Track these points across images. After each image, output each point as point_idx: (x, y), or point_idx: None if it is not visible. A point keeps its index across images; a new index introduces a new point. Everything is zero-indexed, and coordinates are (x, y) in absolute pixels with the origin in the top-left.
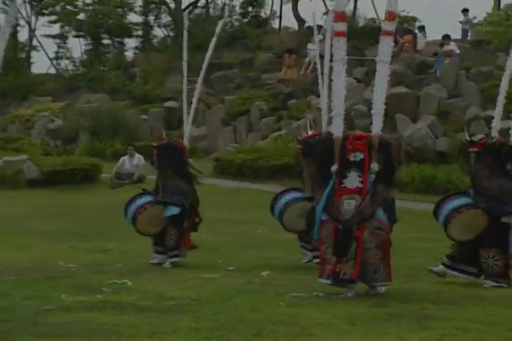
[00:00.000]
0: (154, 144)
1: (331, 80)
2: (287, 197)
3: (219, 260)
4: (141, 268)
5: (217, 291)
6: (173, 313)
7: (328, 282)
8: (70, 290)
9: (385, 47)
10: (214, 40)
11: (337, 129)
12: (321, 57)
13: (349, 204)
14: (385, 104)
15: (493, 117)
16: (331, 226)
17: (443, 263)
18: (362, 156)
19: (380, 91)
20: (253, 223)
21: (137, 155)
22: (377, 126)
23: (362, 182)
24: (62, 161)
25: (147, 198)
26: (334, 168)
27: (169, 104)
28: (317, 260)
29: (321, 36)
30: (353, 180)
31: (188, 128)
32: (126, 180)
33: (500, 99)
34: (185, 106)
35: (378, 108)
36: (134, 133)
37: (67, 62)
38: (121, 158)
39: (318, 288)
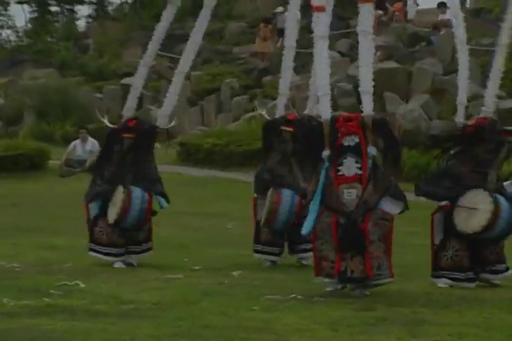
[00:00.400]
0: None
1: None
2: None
3: (184, 258)
4: (95, 268)
5: (182, 294)
6: (130, 319)
7: (327, 280)
8: (14, 294)
9: (366, 15)
10: (172, 7)
11: (325, 110)
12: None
13: (350, 194)
14: (373, 80)
15: (497, 96)
16: (329, 219)
17: None
18: (357, 140)
19: (366, 66)
20: (223, 217)
21: (90, 139)
22: (368, 106)
23: (361, 168)
24: (5, 146)
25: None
26: (326, 153)
27: (127, 80)
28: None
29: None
30: (350, 166)
31: (168, 109)
32: (77, 167)
33: (494, 76)
34: (137, 83)
35: (367, 85)
36: (87, 114)
37: (9, 32)
38: (72, 143)
39: (297, 290)
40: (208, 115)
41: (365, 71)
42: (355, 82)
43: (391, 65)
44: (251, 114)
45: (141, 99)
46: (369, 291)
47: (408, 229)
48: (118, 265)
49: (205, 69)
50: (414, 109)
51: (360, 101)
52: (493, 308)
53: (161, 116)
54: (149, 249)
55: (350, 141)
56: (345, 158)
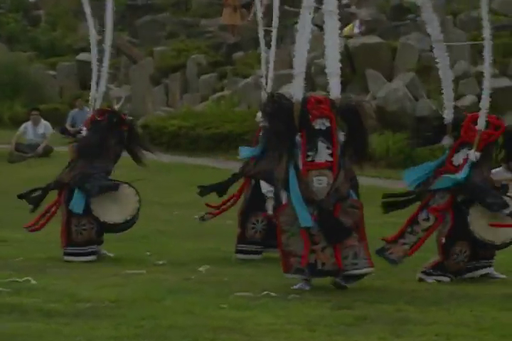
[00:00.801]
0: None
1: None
2: None
3: (146, 252)
4: (48, 263)
5: (144, 291)
6: (87, 318)
7: (296, 276)
8: None
9: None
10: None
11: (298, 91)
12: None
13: (320, 182)
14: (354, 57)
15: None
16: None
17: None
18: (328, 124)
19: (332, 47)
20: (190, 207)
21: (43, 121)
22: (335, 88)
23: (332, 155)
24: None
25: None
26: (297, 138)
27: (83, 56)
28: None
29: None
30: (321, 152)
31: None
32: (28, 152)
33: (486, 53)
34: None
35: (334, 67)
36: (39, 94)
37: None
38: (23, 125)
39: (270, 286)
40: (172, 95)
41: (332, 52)
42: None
43: (373, 40)
44: (220, 93)
45: (98, 77)
46: (348, 286)
47: (390, 219)
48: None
49: (169, 44)
50: (398, 88)
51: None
52: (484, 306)
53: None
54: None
55: (321, 124)
56: (315, 143)
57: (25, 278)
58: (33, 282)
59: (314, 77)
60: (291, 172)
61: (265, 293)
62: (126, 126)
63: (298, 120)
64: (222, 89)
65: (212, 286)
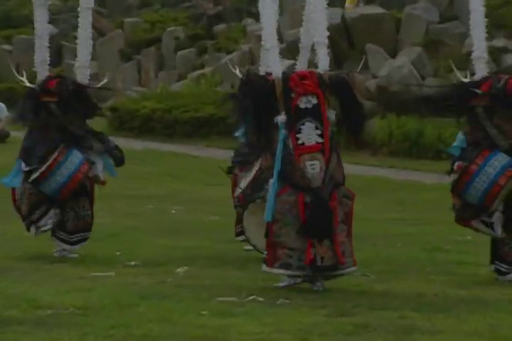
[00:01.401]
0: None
1: None
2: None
3: (116, 251)
4: (4, 264)
5: (113, 296)
6: (49, 327)
7: (282, 272)
8: None
9: None
10: None
11: (275, 66)
12: None
13: (313, 167)
14: (352, 30)
15: (502, 49)
16: (292, 198)
17: None
18: (315, 101)
19: (320, 12)
20: (166, 200)
21: None
22: (323, 60)
23: (322, 135)
24: None
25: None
26: (281, 118)
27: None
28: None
29: None
30: (310, 133)
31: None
32: None
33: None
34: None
35: (321, 35)
36: None
37: None
38: None
39: (256, 290)
40: (145, 73)
41: (319, 18)
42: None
43: (375, 10)
44: (200, 71)
45: (60, 52)
46: (328, 287)
47: (394, 215)
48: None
49: (142, 15)
50: (403, 65)
51: None
52: (500, 312)
53: (79, 69)
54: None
55: (307, 102)
56: (302, 124)
57: None
58: None
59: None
60: (278, 157)
61: (251, 297)
62: (54, 96)
63: (281, 99)
64: (202, 67)
65: (191, 290)
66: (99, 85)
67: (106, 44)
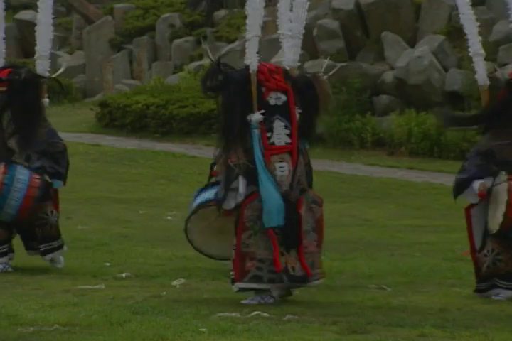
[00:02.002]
0: None
1: None
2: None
3: (105, 262)
4: None
5: (102, 311)
6: None
7: (252, 286)
8: None
9: None
10: None
11: (253, 58)
12: None
13: (282, 169)
14: (367, 16)
15: None
16: (257, 202)
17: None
18: (285, 98)
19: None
20: (160, 205)
21: None
22: (288, 54)
23: (290, 135)
24: None
25: None
26: (256, 116)
27: (24, 15)
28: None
29: None
30: (280, 133)
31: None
32: None
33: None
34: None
35: (286, 26)
36: None
37: None
38: None
39: (261, 306)
40: (138, 64)
41: (283, 8)
42: (342, 17)
43: None
44: (198, 62)
45: None
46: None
47: (413, 221)
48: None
49: (134, 0)
50: (423, 55)
51: None
52: None
53: (39, 58)
54: (55, 249)
55: (276, 99)
56: (272, 122)
57: None
58: None
59: (318, 41)
60: (258, 158)
61: (255, 313)
62: (4, 85)
63: (255, 94)
64: (200, 58)
65: (188, 305)
66: (55, 75)
67: (94, 32)
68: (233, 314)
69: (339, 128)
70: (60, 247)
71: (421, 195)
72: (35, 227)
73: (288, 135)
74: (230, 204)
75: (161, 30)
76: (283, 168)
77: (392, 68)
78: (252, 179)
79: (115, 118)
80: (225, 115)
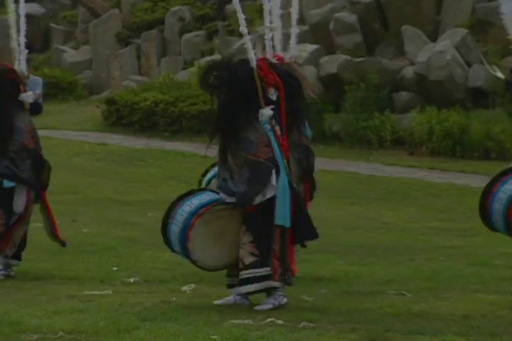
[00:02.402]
0: None
1: None
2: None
3: (112, 267)
4: None
5: (109, 318)
6: None
7: (278, 285)
8: None
9: None
10: None
11: (251, 53)
12: None
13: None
14: (387, 9)
15: None
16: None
17: None
18: (277, 93)
19: None
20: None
21: None
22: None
23: (282, 131)
24: None
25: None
26: (267, 111)
27: (28, 8)
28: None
29: None
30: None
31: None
32: None
33: None
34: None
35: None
36: None
37: None
38: None
39: (275, 312)
40: (146, 59)
41: None
42: (359, 10)
43: None
44: (209, 57)
45: (47, 35)
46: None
47: (435, 224)
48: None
49: None
50: (445, 50)
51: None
52: None
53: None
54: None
55: (273, 94)
56: (274, 118)
57: None
58: None
59: (335, 35)
60: (277, 151)
61: (269, 320)
62: None
63: (259, 90)
64: (212, 52)
65: (199, 312)
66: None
67: (100, 26)
68: (246, 321)
69: (357, 127)
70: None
71: (443, 197)
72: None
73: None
74: (260, 198)
75: (171, 23)
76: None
77: (412, 63)
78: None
79: (122, 116)
80: (233, 113)
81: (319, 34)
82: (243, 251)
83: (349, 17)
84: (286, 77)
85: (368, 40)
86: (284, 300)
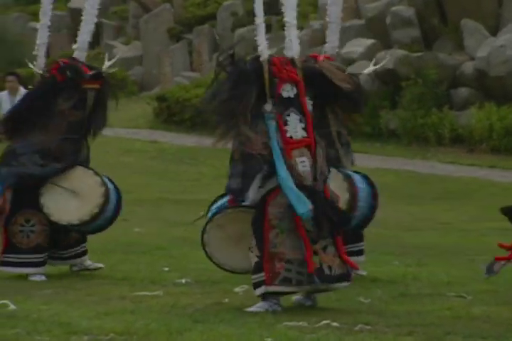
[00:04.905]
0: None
1: None
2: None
3: (164, 267)
4: (33, 282)
5: (161, 319)
6: None
7: (281, 289)
8: None
9: None
10: None
11: (263, 47)
12: None
13: (303, 164)
14: (445, 3)
15: None
16: (285, 199)
17: None
18: (296, 90)
19: None
20: None
21: (23, 90)
22: (295, 44)
23: (306, 129)
24: None
25: None
26: (269, 107)
27: (78, 3)
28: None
29: None
30: (295, 126)
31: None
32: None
33: None
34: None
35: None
36: (19, 53)
37: None
38: None
39: (330, 314)
40: (198, 55)
41: None
42: (418, 6)
43: None
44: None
45: (97, 31)
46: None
47: (495, 224)
48: (38, 278)
49: None
50: (506, 44)
51: None
52: None
53: (77, 49)
54: (84, 253)
55: (289, 91)
56: (288, 115)
57: (2, 301)
58: (12, 307)
59: (391, 30)
60: (276, 151)
61: (324, 322)
62: (97, 83)
63: (268, 85)
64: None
65: (253, 313)
66: (107, 65)
67: (152, 21)
68: (300, 323)
69: (414, 124)
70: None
71: (504, 196)
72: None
73: (303, 128)
74: (252, 197)
75: (223, 18)
76: (304, 163)
77: (472, 58)
78: (274, 172)
79: (174, 113)
80: (238, 103)
81: (375, 28)
82: (251, 254)
83: (406, 11)
84: (312, 75)
85: (426, 35)
86: (278, 309)
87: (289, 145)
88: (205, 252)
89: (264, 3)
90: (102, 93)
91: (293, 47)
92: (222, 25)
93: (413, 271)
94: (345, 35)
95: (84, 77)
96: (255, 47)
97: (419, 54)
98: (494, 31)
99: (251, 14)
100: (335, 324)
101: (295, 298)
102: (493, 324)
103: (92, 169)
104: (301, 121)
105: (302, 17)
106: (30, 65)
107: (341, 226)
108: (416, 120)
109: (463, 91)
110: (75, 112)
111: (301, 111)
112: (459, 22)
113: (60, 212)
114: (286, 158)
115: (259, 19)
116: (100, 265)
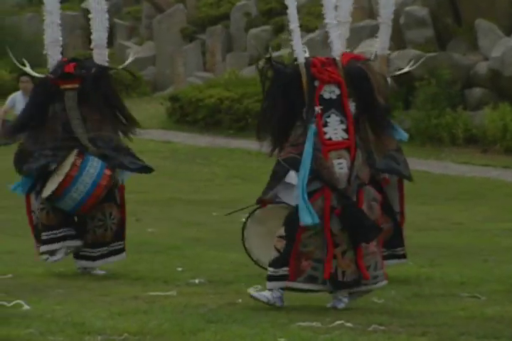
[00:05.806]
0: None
1: None
2: None
3: (177, 267)
4: (46, 281)
5: (174, 320)
6: None
7: (306, 286)
8: None
9: None
10: None
11: (299, 50)
12: None
13: (341, 166)
14: (459, 2)
15: None
16: (322, 202)
17: None
18: (338, 92)
19: None
20: (235, 206)
21: None
22: (337, 44)
23: (347, 130)
24: None
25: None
26: (316, 110)
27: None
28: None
29: None
30: (336, 128)
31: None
32: None
33: None
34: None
35: (386, 14)
36: (32, 54)
37: None
38: (11, 96)
39: (344, 314)
40: (211, 55)
41: None
42: (432, 4)
43: None
44: (276, 53)
45: (111, 31)
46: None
47: (509, 225)
48: (59, 256)
49: None
50: None
51: None
52: None
53: (96, 47)
54: (118, 252)
55: (330, 92)
56: (328, 117)
57: (15, 301)
58: (26, 307)
59: (405, 30)
60: (307, 153)
61: (338, 322)
62: (74, 82)
63: (306, 87)
64: (278, 48)
65: (266, 313)
66: (123, 66)
67: (165, 21)
68: (314, 323)
69: (428, 124)
70: (111, 254)
71: None
72: (89, 229)
73: (344, 130)
74: (271, 194)
75: (236, 18)
76: (341, 165)
77: (486, 58)
78: (317, 175)
79: (187, 114)
80: (273, 110)
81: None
82: (277, 245)
83: (420, 11)
84: (357, 76)
85: (440, 35)
86: (278, 304)
87: (326, 146)
88: (245, 248)
89: (279, 3)
90: (94, 92)
91: (334, 47)
92: (236, 25)
93: (426, 272)
94: (359, 35)
95: (51, 77)
96: (269, 47)
97: (433, 54)
98: (508, 31)
99: (264, 14)
100: (348, 324)
101: (328, 304)
102: (507, 324)
103: (84, 150)
104: (342, 122)
105: (316, 18)
106: (27, 68)
107: (366, 235)
108: (430, 120)
109: (477, 92)
110: (67, 114)
111: (343, 112)
112: (473, 22)
113: (46, 188)
114: (323, 160)
115: (294, 24)
116: (102, 272)
